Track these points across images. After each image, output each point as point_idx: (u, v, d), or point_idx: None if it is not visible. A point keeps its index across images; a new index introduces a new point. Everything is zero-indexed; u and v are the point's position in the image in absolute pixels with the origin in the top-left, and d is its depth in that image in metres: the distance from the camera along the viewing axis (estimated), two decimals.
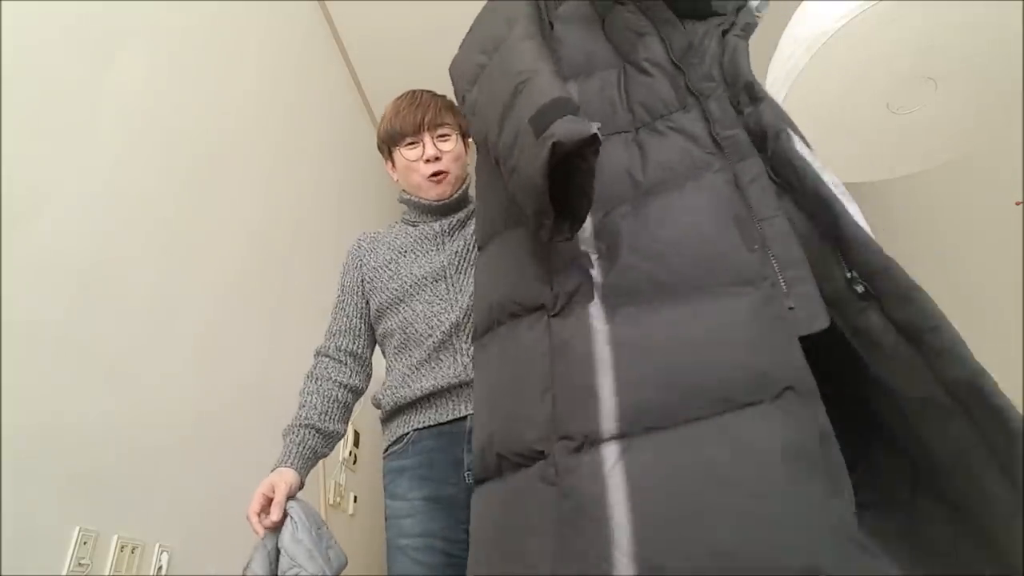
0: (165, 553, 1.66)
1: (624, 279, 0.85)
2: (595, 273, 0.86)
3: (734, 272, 0.79)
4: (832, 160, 1.49)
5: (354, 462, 3.09)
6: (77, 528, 1.41)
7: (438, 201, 1.38)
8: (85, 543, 1.42)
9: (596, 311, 0.83)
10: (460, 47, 1.16)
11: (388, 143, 1.41)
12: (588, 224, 0.90)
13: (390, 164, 1.47)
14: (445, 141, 1.36)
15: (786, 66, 1.21)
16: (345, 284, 1.44)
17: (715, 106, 0.95)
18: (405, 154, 1.38)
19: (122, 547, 1.52)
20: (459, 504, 1.15)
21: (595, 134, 0.76)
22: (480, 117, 0.97)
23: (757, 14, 1.13)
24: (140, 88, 1.77)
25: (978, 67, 1.19)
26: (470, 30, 1.15)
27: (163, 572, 1.64)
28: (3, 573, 1.22)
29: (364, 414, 3.43)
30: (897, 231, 3.86)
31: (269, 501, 1.19)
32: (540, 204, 0.82)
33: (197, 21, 2.08)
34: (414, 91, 1.40)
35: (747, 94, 0.94)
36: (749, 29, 1.09)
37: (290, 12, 2.82)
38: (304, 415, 1.31)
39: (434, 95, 1.39)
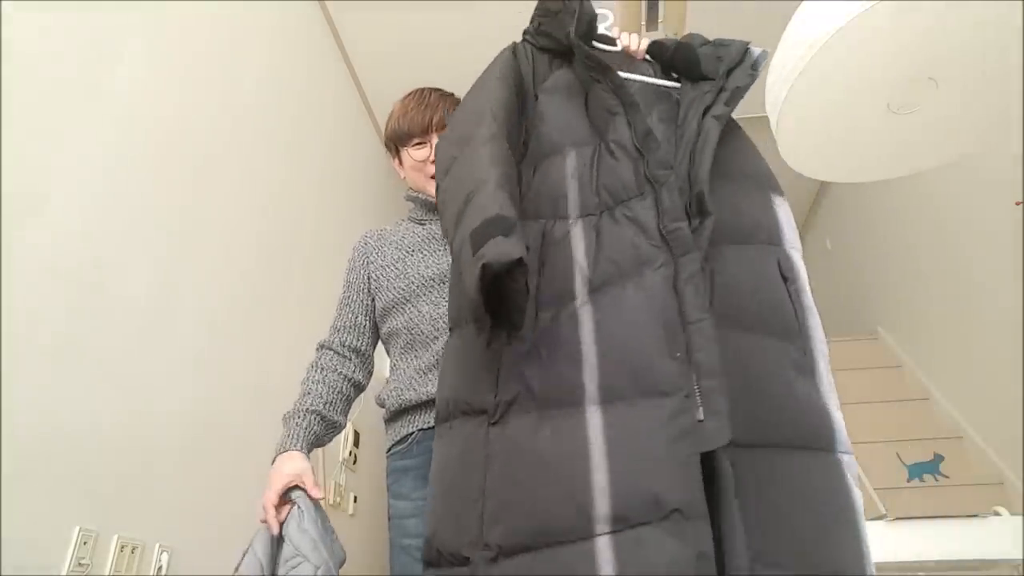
0: (165, 553, 1.66)
1: (556, 389, 0.88)
2: (534, 382, 0.90)
3: (654, 382, 0.83)
4: (832, 160, 1.49)
5: (354, 462, 3.09)
6: (77, 528, 1.41)
7: None
8: (85, 543, 1.42)
9: (526, 423, 0.87)
10: (451, 119, 1.18)
11: (395, 142, 1.40)
12: (536, 325, 0.93)
13: (397, 161, 1.45)
14: None
15: (786, 66, 1.21)
16: (351, 280, 1.42)
17: (667, 196, 0.96)
18: (413, 154, 1.37)
19: (122, 547, 1.52)
20: None
21: (521, 258, 0.80)
22: (444, 214, 1.00)
23: (752, 72, 1.13)
24: (140, 88, 1.77)
25: (978, 67, 1.19)
26: (463, 101, 1.16)
27: (163, 572, 1.64)
28: (3, 573, 1.22)
29: (364, 414, 3.42)
30: (898, 231, 3.87)
31: (287, 491, 1.16)
32: (477, 314, 0.89)
33: (197, 21, 2.08)
34: (422, 90, 1.39)
35: (697, 205, 0.97)
36: (737, 96, 1.11)
37: (291, 12, 2.82)
38: (310, 402, 1.28)
39: (442, 95, 1.38)
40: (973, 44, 1.15)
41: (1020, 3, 1.06)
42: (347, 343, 1.36)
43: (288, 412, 1.28)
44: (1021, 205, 2.41)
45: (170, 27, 1.94)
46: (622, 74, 1.12)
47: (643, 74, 1.22)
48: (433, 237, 1.34)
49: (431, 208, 1.37)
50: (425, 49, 3.31)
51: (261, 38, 2.56)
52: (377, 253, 1.39)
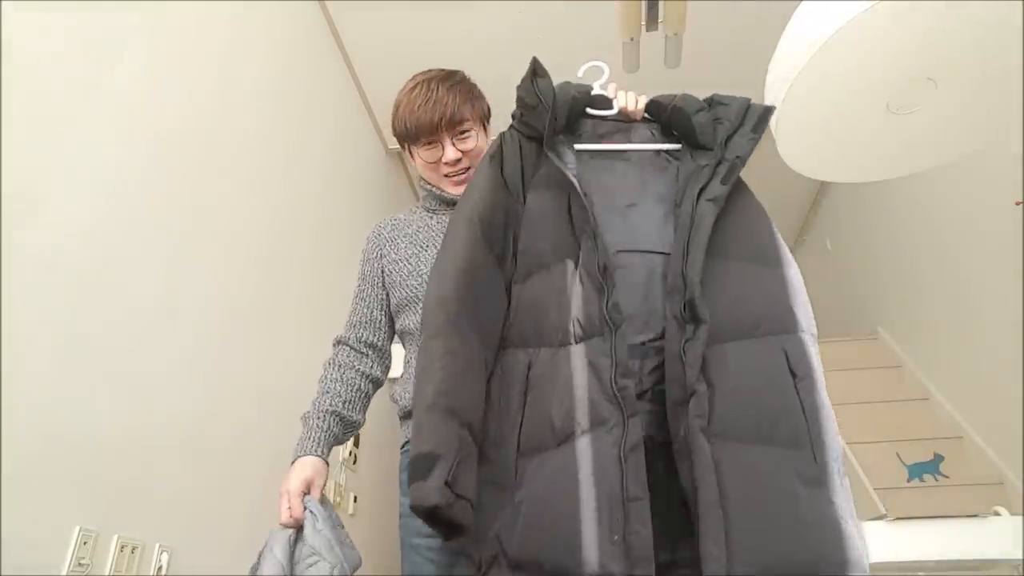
0: (165, 553, 1.66)
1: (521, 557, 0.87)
2: (509, 547, 0.88)
3: (584, 567, 0.81)
4: (832, 160, 1.49)
5: (354, 462, 3.09)
6: (77, 528, 1.41)
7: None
8: (85, 543, 1.42)
9: None
10: (430, 275, 1.10)
11: (404, 140, 1.31)
12: (519, 475, 0.91)
13: (408, 153, 1.36)
14: (465, 139, 1.27)
15: (786, 66, 1.21)
16: (365, 273, 1.39)
17: (619, 344, 0.92)
18: (423, 155, 1.29)
19: (122, 547, 1.52)
20: None
21: (436, 504, 0.81)
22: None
23: (753, 136, 1.05)
24: (140, 88, 1.77)
25: (978, 67, 1.19)
26: (436, 259, 1.09)
27: (163, 572, 1.64)
28: (3, 573, 1.22)
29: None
30: (897, 231, 3.87)
31: (308, 489, 1.17)
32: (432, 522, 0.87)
33: (197, 21, 2.08)
34: (428, 82, 1.26)
35: (690, 312, 0.92)
36: (736, 168, 1.04)
37: (291, 12, 2.82)
38: (328, 402, 1.27)
39: (451, 87, 1.26)
40: (973, 44, 1.15)
41: (1020, 3, 1.06)
42: (363, 339, 1.34)
43: (307, 412, 1.28)
44: (1021, 205, 2.41)
45: (170, 27, 1.94)
46: (614, 146, 1.10)
47: (642, 137, 1.16)
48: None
49: (445, 201, 1.33)
50: (425, 49, 3.31)
51: (261, 38, 2.56)
52: (391, 246, 1.36)
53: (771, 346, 0.96)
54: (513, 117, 1.17)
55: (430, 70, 1.31)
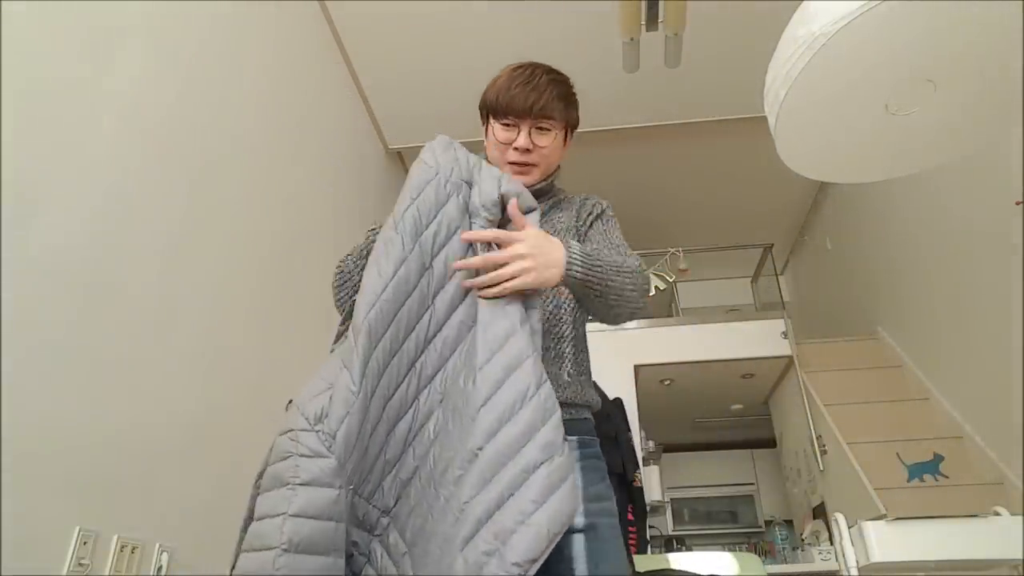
0: (165, 553, 1.66)
1: None
2: None
3: None
4: (832, 160, 1.49)
5: None
6: (77, 528, 1.41)
7: None
8: (85, 543, 1.42)
9: None
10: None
11: (488, 111, 1.27)
12: None
13: (485, 127, 1.32)
14: (543, 135, 1.24)
15: (786, 66, 1.21)
16: None
17: None
18: (498, 132, 1.25)
19: (122, 547, 1.52)
20: None
21: None
22: None
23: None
24: (140, 88, 1.77)
25: (978, 67, 1.18)
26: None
27: (163, 572, 1.64)
28: (3, 573, 1.22)
29: None
30: (897, 231, 3.87)
31: None
32: None
33: (197, 21, 2.08)
34: (535, 68, 1.25)
35: None
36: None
37: (291, 12, 2.82)
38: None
39: (554, 79, 1.24)
40: (973, 44, 1.15)
41: (1020, 3, 1.06)
42: None
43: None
44: (1021, 205, 2.41)
45: (170, 27, 1.94)
46: None
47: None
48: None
49: None
50: (425, 49, 3.31)
51: (261, 38, 2.56)
52: None
53: None
54: None
55: (542, 63, 1.29)
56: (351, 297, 1.15)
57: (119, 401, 1.59)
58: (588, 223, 1.27)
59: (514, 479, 0.78)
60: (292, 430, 0.87)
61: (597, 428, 1.18)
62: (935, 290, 3.39)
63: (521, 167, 1.24)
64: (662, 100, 3.74)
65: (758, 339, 4.35)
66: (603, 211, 1.29)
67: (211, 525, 1.89)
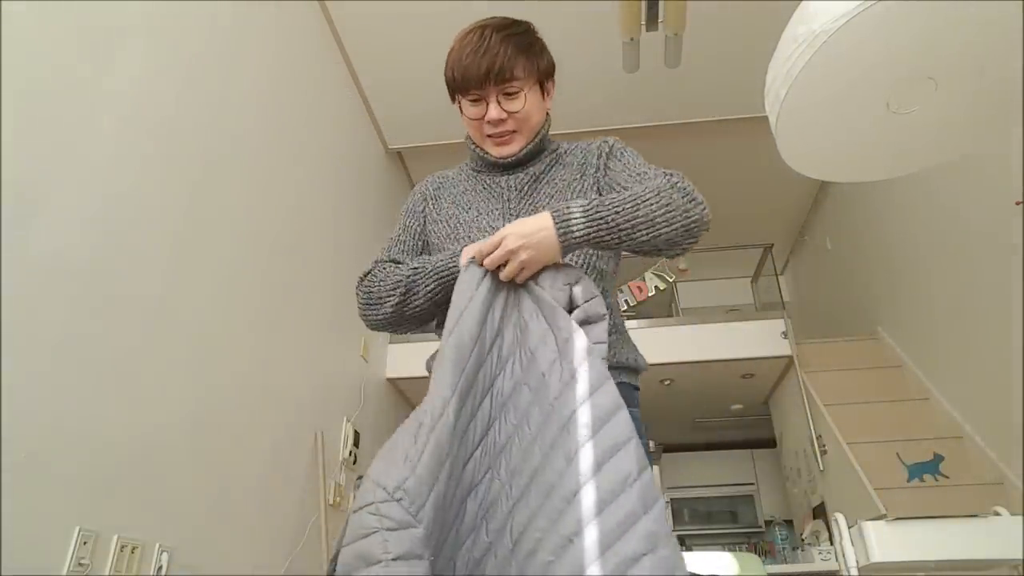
0: (165, 553, 1.66)
1: None
2: None
3: None
4: (832, 160, 1.49)
5: (354, 462, 3.09)
6: (77, 528, 1.41)
7: (502, 159, 1.20)
8: (85, 543, 1.42)
9: None
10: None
11: (451, 89, 1.17)
12: None
13: (457, 106, 1.22)
14: (513, 99, 1.13)
15: (786, 65, 1.21)
16: (407, 224, 1.26)
17: None
18: (467, 109, 1.16)
19: (122, 547, 1.52)
20: None
21: None
22: None
23: None
24: (140, 88, 1.77)
25: (978, 67, 1.19)
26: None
27: (163, 572, 1.64)
28: (3, 573, 1.22)
29: (364, 414, 3.43)
30: (897, 231, 3.87)
31: None
32: None
33: (197, 21, 2.08)
34: (483, 29, 1.13)
35: None
36: None
37: (291, 12, 2.82)
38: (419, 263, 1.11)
39: (505, 37, 1.12)
40: (973, 44, 1.15)
41: (1020, 3, 1.06)
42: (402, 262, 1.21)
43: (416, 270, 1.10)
44: (1021, 205, 2.41)
45: (170, 28, 1.94)
46: None
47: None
48: (492, 196, 1.21)
49: (488, 163, 1.23)
50: (425, 49, 3.31)
51: (261, 38, 2.56)
52: (434, 204, 1.27)
53: None
54: None
55: (494, 17, 1.18)
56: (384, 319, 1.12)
57: (119, 401, 1.59)
58: (602, 170, 1.17)
59: (615, 568, 0.71)
60: (372, 503, 0.79)
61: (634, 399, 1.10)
62: (935, 290, 3.39)
63: (500, 138, 1.16)
64: (662, 100, 3.74)
65: (758, 339, 4.35)
66: (611, 149, 1.19)
67: (211, 525, 1.89)
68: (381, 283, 1.12)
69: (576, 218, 0.95)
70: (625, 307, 4.18)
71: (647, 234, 0.96)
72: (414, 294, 1.09)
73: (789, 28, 1.24)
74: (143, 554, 1.59)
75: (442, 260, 1.06)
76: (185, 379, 1.86)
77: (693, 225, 1.00)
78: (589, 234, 0.95)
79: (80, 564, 1.40)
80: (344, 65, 3.42)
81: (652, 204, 0.97)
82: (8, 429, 1.27)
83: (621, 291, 4.17)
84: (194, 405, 1.89)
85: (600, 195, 1.15)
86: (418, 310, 1.10)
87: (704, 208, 1.03)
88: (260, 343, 2.32)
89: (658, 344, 4.46)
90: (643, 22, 3.03)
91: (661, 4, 2.95)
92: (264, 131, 2.51)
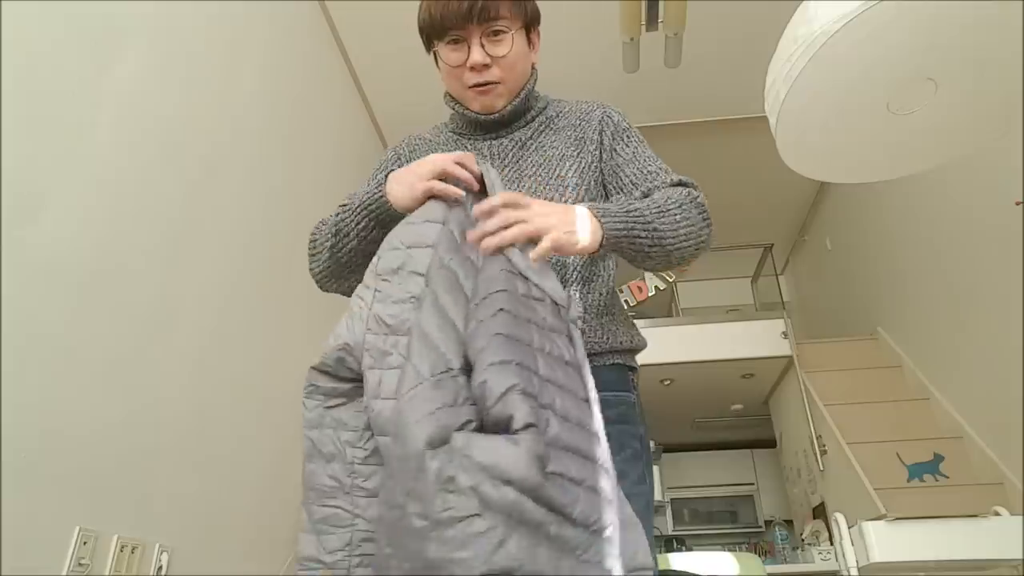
0: (165, 553, 1.66)
1: None
2: None
3: None
4: (832, 160, 1.49)
5: None
6: (77, 528, 1.41)
7: (485, 115, 1.08)
8: (85, 543, 1.42)
9: None
10: None
11: (427, 34, 1.06)
12: None
13: (434, 58, 1.11)
14: (498, 42, 1.01)
15: (786, 66, 1.21)
16: (381, 181, 1.03)
17: None
18: (446, 55, 1.04)
19: (122, 547, 1.52)
20: None
21: None
22: None
23: None
24: (140, 88, 1.77)
25: (978, 67, 1.18)
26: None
27: (163, 572, 1.64)
28: (3, 573, 1.22)
29: None
30: (897, 231, 3.87)
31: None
32: None
33: (197, 21, 2.08)
34: None
35: None
36: None
37: (291, 12, 2.82)
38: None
39: None
40: (973, 44, 1.15)
41: (1020, 3, 1.06)
42: None
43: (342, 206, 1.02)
44: (1021, 205, 2.41)
45: (170, 28, 1.94)
46: None
47: None
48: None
49: (470, 122, 1.12)
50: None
51: (261, 38, 2.56)
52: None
53: None
54: None
55: None
56: (324, 269, 1.05)
57: (119, 401, 1.59)
58: (608, 151, 1.08)
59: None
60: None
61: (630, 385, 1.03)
62: (935, 290, 3.39)
63: (484, 88, 1.04)
64: (662, 100, 3.74)
65: (758, 339, 4.35)
66: (616, 127, 1.10)
67: (211, 525, 1.89)
68: (320, 230, 1.04)
69: (611, 215, 0.86)
70: (625, 307, 4.19)
71: (663, 250, 0.92)
72: (344, 235, 0.99)
73: (789, 28, 1.24)
74: (143, 554, 1.59)
75: (368, 192, 0.96)
76: (185, 379, 1.86)
77: (702, 244, 0.97)
78: (624, 233, 0.87)
79: (80, 564, 1.40)
80: (344, 65, 3.42)
81: (677, 215, 0.92)
82: (8, 429, 1.27)
83: (621, 291, 4.17)
84: (194, 405, 1.89)
85: (602, 174, 1.07)
86: (351, 252, 1.00)
87: (712, 228, 0.99)
88: (260, 342, 2.32)
89: (658, 344, 4.44)
90: (643, 22, 3.03)
91: (661, 4, 2.95)
92: (264, 131, 2.51)
